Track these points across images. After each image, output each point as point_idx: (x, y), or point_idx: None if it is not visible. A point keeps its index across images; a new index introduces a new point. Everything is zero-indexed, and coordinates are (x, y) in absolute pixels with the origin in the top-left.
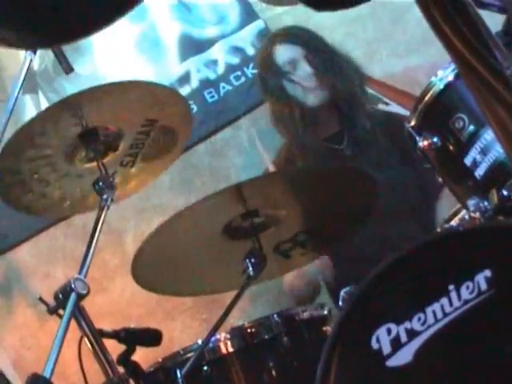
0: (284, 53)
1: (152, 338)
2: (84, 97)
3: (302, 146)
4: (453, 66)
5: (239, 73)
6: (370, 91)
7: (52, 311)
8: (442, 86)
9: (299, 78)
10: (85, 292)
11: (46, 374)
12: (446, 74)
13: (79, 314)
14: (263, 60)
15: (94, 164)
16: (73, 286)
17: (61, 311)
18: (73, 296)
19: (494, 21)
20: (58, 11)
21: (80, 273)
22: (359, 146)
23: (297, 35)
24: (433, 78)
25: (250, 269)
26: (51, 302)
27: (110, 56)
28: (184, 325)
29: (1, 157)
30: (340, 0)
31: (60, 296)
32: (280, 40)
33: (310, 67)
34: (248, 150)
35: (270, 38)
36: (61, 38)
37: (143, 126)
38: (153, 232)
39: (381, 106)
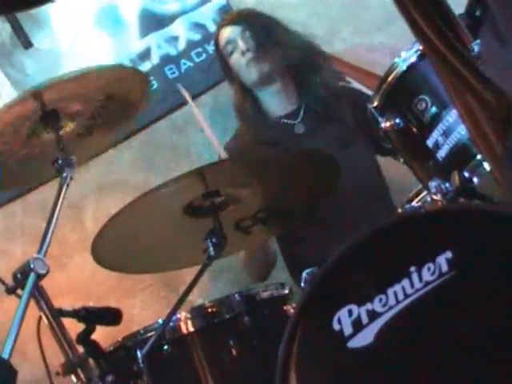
0: (223, 35)
1: (112, 316)
2: (47, 87)
3: (254, 127)
4: (416, 48)
5: (200, 49)
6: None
7: (10, 291)
8: (404, 68)
9: (238, 55)
10: (44, 272)
11: (5, 355)
12: (409, 55)
13: (38, 293)
14: (214, 43)
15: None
16: (32, 265)
17: (19, 291)
18: (32, 276)
19: (457, 3)
20: None
21: (39, 252)
22: (315, 123)
23: (238, 16)
24: (396, 59)
25: (211, 249)
26: (9, 279)
27: (69, 30)
28: (144, 302)
29: None
30: None
31: (19, 276)
32: (222, 24)
33: (245, 44)
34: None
35: (216, 31)
36: (19, 5)
37: (102, 101)
38: (113, 216)
39: (342, 84)
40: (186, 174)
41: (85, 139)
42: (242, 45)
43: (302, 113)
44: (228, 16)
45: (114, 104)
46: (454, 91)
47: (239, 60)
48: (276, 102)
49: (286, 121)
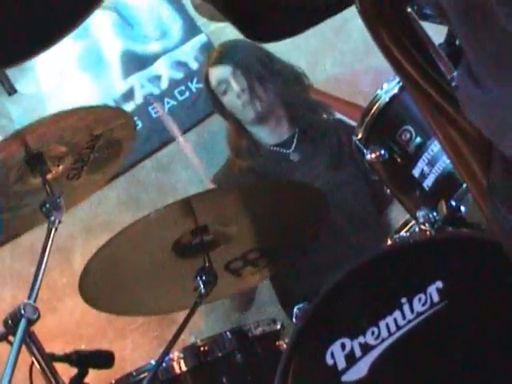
0: (214, 74)
1: (104, 359)
2: (30, 129)
3: (249, 155)
4: (398, 79)
5: (183, 87)
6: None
7: (2, 338)
8: (387, 99)
9: (232, 96)
10: (35, 317)
11: None
12: (391, 86)
13: (29, 339)
14: (203, 83)
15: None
16: (22, 311)
17: (10, 337)
18: (23, 322)
19: (436, 32)
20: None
21: (29, 297)
22: (309, 151)
23: (226, 53)
24: (378, 91)
25: (202, 287)
26: (0, 327)
27: (52, 74)
28: (135, 343)
29: None
30: (285, 29)
31: (10, 322)
32: (211, 63)
33: (238, 84)
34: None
35: (205, 62)
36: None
37: (88, 142)
38: (98, 250)
39: (326, 116)
40: (174, 203)
41: (73, 182)
42: (235, 86)
43: (295, 141)
44: (215, 53)
45: (100, 144)
46: (435, 124)
47: (235, 102)
48: (270, 132)
49: (280, 149)
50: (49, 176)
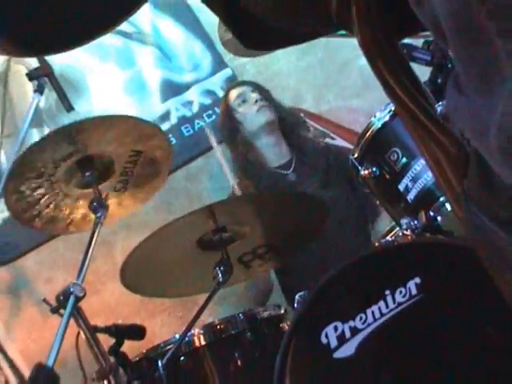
0: (234, 92)
1: (137, 332)
2: (77, 127)
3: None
4: (389, 109)
5: (211, 111)
6: (319, 127)
7: (54, 311)
8: (379, 125)
9: (249, 104)
10: (82, 295)
11: (49, 363)
12: (382, 115)
13: (77, 313)
14: (221, 110)
15: (91, 190)
16: (72, 289)
17: (61, 311)
18: (72, 298)
19: (421, 72)
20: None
21: (78, 278)
22: (305, 172)
23: (244, 81)
24: (372, 118)
25: (220, 275)
26: (53, 301)
27: (103, 96)
28: (163, 322)
29: (9, 181)
30: (276, 40)
31: (61, 298)
32: (232, 86)
33: (256, 94)
34: (218, 175)
35: (225, 93)
36: (49, 48)
37: (131, 156)
38: (138, 245)
39: (328, 140)
40: (199, 210)
41: (120, 195)
42: (254, 95)
43: (293, 164)
44: (234, 83)
45: (142, 162)
46: (422, 143)
47: (250, 108)
48: (272, 153)
49: (280, 171)
50: (99, 186)
